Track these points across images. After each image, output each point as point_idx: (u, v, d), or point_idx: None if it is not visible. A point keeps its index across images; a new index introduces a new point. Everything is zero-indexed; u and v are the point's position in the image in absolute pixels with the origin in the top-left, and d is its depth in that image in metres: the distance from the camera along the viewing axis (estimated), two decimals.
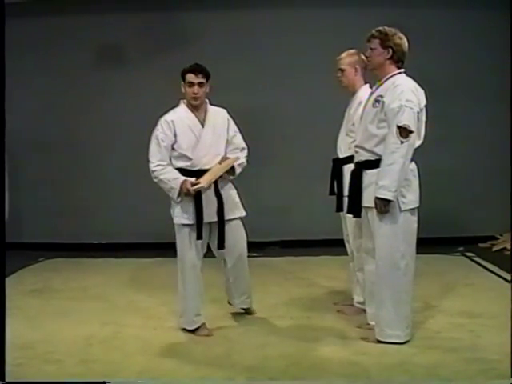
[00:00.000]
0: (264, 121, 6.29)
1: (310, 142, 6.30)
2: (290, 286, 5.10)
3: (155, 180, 3.92)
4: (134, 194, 6.59)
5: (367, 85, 4.13)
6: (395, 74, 3.61)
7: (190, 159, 3.90)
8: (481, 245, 6.37)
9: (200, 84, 3.88)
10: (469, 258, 6.01)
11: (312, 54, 6.15)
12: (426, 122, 3.65)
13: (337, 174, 4.27)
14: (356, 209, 3.71)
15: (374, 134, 3.59)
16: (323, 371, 3.35)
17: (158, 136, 3.90)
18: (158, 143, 3.89)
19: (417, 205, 3.65)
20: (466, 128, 6.41)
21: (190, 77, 3.88)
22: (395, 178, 3.46)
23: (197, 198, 3.87)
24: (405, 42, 3.63)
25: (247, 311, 4.32)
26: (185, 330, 3.99)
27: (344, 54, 4.21)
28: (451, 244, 6.35)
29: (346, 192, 4.14)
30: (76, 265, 6.10)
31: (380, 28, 3.64)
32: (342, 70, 4.20)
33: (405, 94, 3.49)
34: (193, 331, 3.96)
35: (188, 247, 3.93)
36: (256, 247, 6.16)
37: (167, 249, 6.08)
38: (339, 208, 4.25)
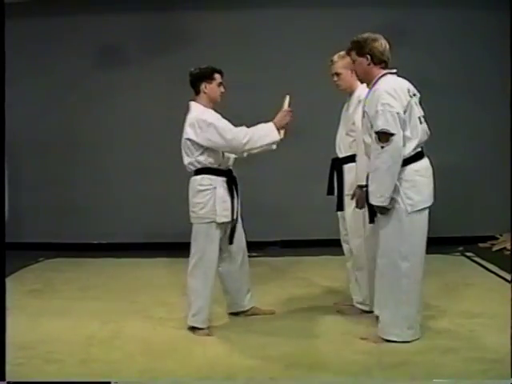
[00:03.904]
0: (263, 121, 6.29)
1: (309, 142, 6.29)
2: (289, 286, 5.10)
3: (247, 141, 3.85)
4: (134, 194, 6.60)
5: (364, 84, 4.12)
6: (380, 77, 3.61)
7: (223, 157, 3.96)
8: (481, 245, 6.37)
9: None
10: (469, 257, 6.00)
11: (312, 53, 6.13)
12: (426, 118, 3.65)
13: (337, 174, 4.27)
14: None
15: (369, 143, 3.63)
16: (323, 371, 3.35)
17: (217, 120, 3.89)
18: (222, 120, 3.91)
19: (426, 205, 3.63)
20: (465, 128, 6.40)
21: (219, 77, 4.01)
22: (380, 184, 3.48)
23: (232, 193, 3.93)
24: (381, 43, 3.62)
25: (249, 311, 4.30)
26: (185, 329, 3.98)
27: (336, 58, 4.18)
28: (451, 244, 6.34)
29: (346, 191, 4.16)
30: (76, 265, 6.10)
31: (354, 39, 3.67)
32: (338, 74, 4.18)
33: (380, 98, 3.49)
34: (193, 331, 3.96)
35: (217, 246, 3.97)
36: (256, 247, 6.16)
37: (167, 249, 6.13)
38: (339, 207, 4.25)
